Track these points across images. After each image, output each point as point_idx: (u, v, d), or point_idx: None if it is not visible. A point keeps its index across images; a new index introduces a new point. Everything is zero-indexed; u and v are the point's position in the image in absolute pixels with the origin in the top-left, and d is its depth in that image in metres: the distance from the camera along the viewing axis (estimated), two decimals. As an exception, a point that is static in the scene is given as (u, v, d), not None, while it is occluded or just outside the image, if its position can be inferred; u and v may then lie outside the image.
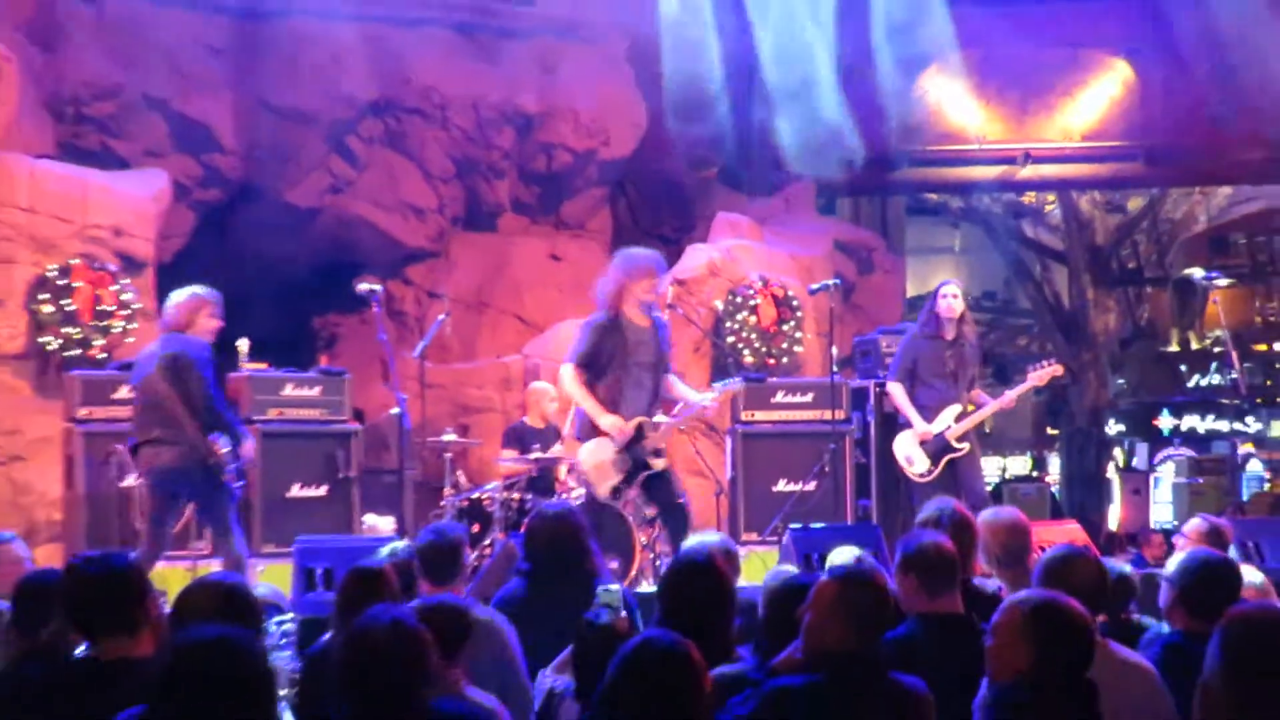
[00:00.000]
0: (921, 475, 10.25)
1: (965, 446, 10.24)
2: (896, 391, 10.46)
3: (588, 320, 9.07)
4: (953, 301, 10.31)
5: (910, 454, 10.33)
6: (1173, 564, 5.20)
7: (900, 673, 4.17)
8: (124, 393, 10.27)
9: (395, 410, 9.81)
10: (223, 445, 8.34)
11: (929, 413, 10.28)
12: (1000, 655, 3.79)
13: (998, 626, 3.82)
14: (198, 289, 8.61)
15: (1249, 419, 22.84)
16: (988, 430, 10.75)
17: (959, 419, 10.22)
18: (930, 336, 10.39)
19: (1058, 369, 10.72)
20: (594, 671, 4.36)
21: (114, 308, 11.20)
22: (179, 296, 8.57)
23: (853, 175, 16.24)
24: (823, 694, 4.06)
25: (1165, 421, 24.17)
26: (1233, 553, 7.66)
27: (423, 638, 3.76)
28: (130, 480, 9.86)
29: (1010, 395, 10.50)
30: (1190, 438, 23.77)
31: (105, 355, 11.10)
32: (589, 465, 8.88)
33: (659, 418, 9.02)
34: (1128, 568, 6.50)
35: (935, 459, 10.24)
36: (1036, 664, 3.71)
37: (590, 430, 8.91)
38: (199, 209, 13.55)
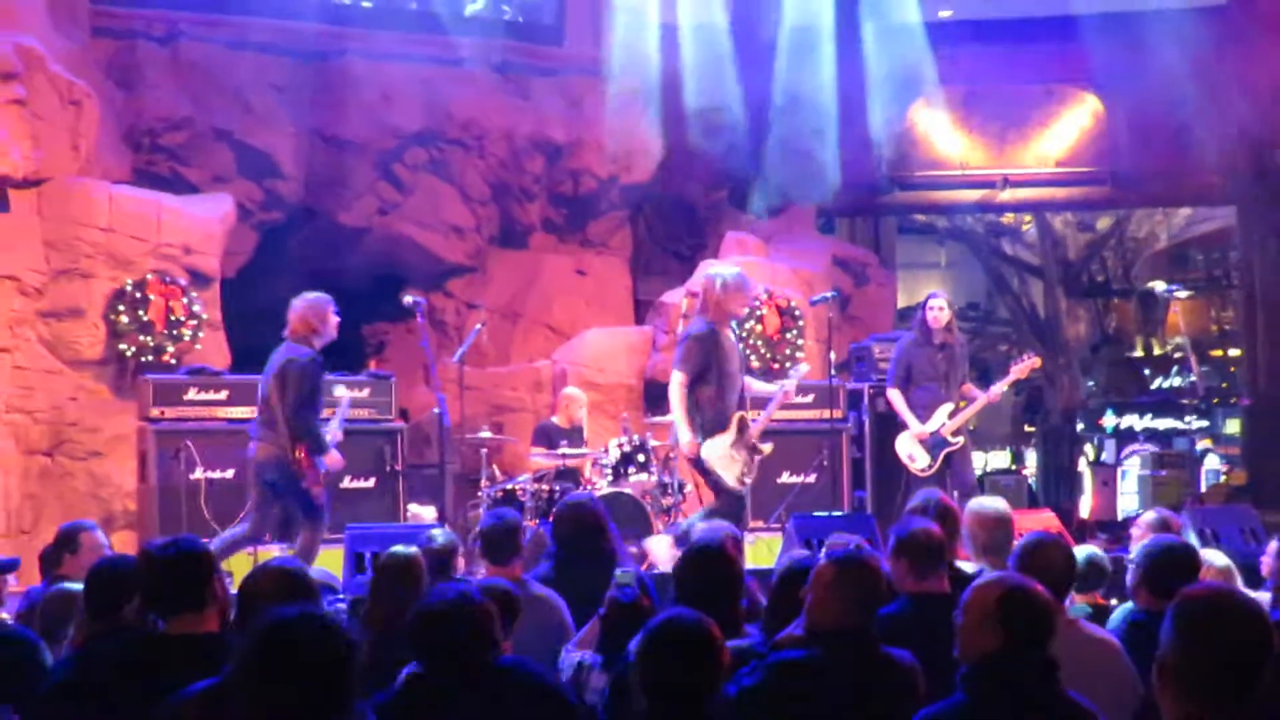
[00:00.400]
0: (923, 470, 10.21)
1: (960, 440, 10.21)
2: (895, 398, 10.43)
3: (689, 332, 9.07)
4: (939, 313, 10.32)
5: (912, 452, 10.30)
6: (1137, 549, 5.21)
7: (891, 646, 4.16)
8: (193, 394, 10.40)
9: (436, 410, 9.81)
10: (311, 453, 8.32)
11: (925, 411, 10.26)
12: (970, 637, 3.72)
13: (968, 607, 3.75)
14: (313, 295, 8.56)
15: (1188, 417, 22.79)
16: (971, 428, 10.70)
17: (952, 415, 10.21)
18: (921, 344, 10.38)
19: (1036, 361, 10.81)
20: (621, 644, 4.36)
21: (184, 318, 11.20)
22: (298, 304, 8.48)
23: (849, 199, 16.23)
24: (821, 665, 4.05)
25: (1109, 420, 24.12)
26: (1191, 539, 7.67)
27: (486, 607, 3.87)
28: (198, 473, 9.91)
29: (997, 388, 10.49)
30: (1133, 435, 23.74)
31: (175, 361, 11.10)
32: (715, 460, 8.89)
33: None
34: (1099, 552, 6.51)
35: (934, 454, 10.21)
36: (1004, 646, 3.65)
37: (705, 433, 8.91)
38: (260, 229, 13.56)
